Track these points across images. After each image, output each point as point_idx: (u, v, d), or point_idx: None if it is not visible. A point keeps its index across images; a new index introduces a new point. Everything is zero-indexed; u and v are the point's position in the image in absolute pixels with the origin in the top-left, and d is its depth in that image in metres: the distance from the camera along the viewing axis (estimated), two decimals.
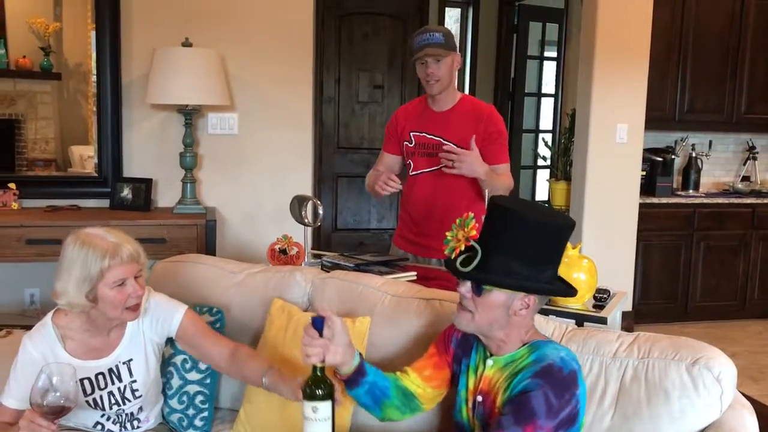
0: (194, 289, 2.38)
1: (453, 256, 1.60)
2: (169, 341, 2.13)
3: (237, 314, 2.32)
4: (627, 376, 1.78)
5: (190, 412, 2.16)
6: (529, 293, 1.58)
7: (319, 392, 1.57)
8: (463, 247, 1.58)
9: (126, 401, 1.95)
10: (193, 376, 2.18)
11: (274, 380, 1.83)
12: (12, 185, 3.71)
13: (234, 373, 2.01)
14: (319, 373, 1.59)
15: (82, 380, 1.85)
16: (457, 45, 2.89)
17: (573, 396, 1.54)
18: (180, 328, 2.01)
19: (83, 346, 1.89)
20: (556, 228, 1.60)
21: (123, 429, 2.00)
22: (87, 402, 1.90)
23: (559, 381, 1.52)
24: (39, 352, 1.83)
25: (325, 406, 1.57)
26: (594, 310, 2.41)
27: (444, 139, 2.74)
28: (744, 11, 5.10)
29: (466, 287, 1.60)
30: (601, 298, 2.46)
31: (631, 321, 4.81)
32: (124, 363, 1.94)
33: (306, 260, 2.78)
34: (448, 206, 2.75)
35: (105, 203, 3.85)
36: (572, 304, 2.38)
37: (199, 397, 2.18)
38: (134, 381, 1.96)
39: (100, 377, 1.91)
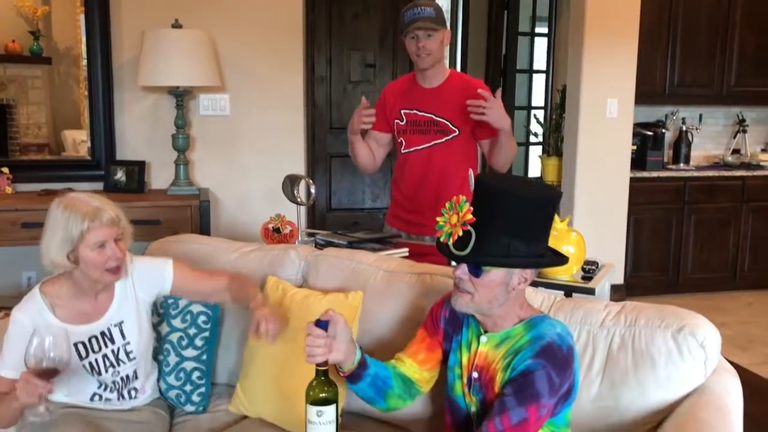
0: None
1: (451, 241, 1.59)
2: (163, 316, 2.19)
3: None
4: (614, 344, 1.82)
5: (188, 388, 2.20)
6: (527, 268, 1.61)
7: (323, 395, 1.56)
8: (461, 233, 1.57)
9: (121, 363, 2.00)
10: (190, 352, 2.22)
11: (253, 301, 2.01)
12: (5, 170, 3.72)
13: (233, 301, 2.14)
14: (322, 377, 1.58)
15: (75, 345, 1.89)
16: (448, 21, 2.89)
17: (571, 371, 1.57)
18: (173, 283, 2.10)
19: (72, 311, 1.94)
20: (546, 201, 1.62)
21: (121, 397, 2.05)
22: (83, 366, 1.95)
23: (560, 359, 1.55)
24: (29, 320, 1.88)
25: (330, 410, 1.56)
26: (582, 281, 2.44)
27: (435, 116, 2.75)
28: None
29: (462, 270, 1.60)
30: (590, 269, 2.49)
31: (623, 294, 4.87)
32: (115, 325, 1.99)
33: (299, 239, 2.81)
34: (441, 183, 2.77)
35: (99, 186, 3.87)
36: (561, 275, 2.41)
37: (196, 373, 2.22)
38: (128, 343, 2.01)
39: (93, 340, 1.96)
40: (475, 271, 1.58)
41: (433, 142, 2.77)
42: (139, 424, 2.04)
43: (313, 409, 1.56)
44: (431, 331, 1.81)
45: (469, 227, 1.56)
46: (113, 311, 2.00)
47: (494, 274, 1.58)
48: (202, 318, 2.24)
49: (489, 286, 1.59)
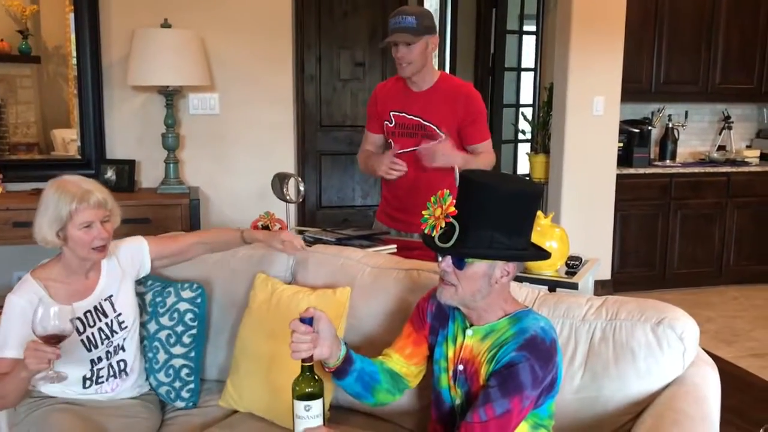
0: (179, 265, 2.44)
1: (434, 233, 1.63)
2: (151, 314, 2.26)
3: (222, 289, 2.39)
4: (596, 337, 1.86)
5: (177, 384, 2.24)
6: (509, 261, 1.64)
7: (310, 390, 1.60)
8: (443, 224, 1.61)
9: (114, 333, 2.10)
10: (178, 350, 2.25)
11: (250, 234, 2.32)
12: None
13: (214, 248, 2.36)
14: (308, 372, 1.61)
15: (72, 321, 1.92)
16: (437, 25, 2.90)
17: (554, 364, 1.61)
18: (152, 252, 2.24)
19: (65, 291, 2.04)
20: (528, 196, 1.66)
21: (110, 369, 2.11)
22: (81, 341, 2.04)
23: (543, 352, 1.58)
24: (26, 300, 1.97)
25: (317, 404, 1.60)
26: (566, 276, 2.49)
27: (423, 120, 2.78)
28: None
29: (446, 262, 1.64)
30: (573, 264, 2.54)
31: (610, 289, 4.92)
32: (105, 299, 2.11)
33: None
34: (429, 184, 2.79)
35: None
36: (545, 271, 2.46)
37: (185, 370, 2.25)
38: (119, 314, 2.12)
39: (89, 315, 2.06)
40: (459, 264, 1.62)
41: (421, 146, 2.80)
42: (131, 419, 2.08)
43: (300, 404, 1.59)
44: (418, 326, 1.84)
45: (452, 220, 1.60)
46: (102, 286, 2.12)
47: (477, 267, 1.62)
48: (189, 316, 2.27)
49: (472, 278, 1.62)
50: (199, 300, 2.30)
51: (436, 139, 2.77)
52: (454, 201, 1.62)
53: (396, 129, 2.86)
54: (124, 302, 2.16)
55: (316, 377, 1.62)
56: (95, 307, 2.08)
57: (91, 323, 2.07)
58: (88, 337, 2.06)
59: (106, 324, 2.10)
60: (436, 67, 2.95)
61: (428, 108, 2.78)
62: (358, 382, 1.75)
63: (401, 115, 2.84)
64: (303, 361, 1.61)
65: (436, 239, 1.62)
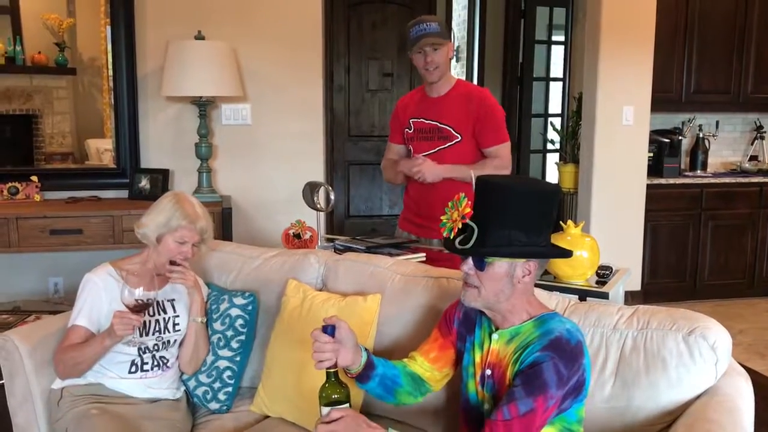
0: (213, 273, 2.50)
1: (452, 235, 1.66)
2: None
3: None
4: (627, 346, 1.85)
5: (216, 385, 2.28)
6: (530, 258, 1.65)
7: (336, 396, 1.62)
8: (460, 225, 1.64)
9: (167, 331, 2.22)
10: (225, 353, 2.31)
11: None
12: (34, 178, 3.83)
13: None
14: (333, 378, 1.64)
15: (137, 300, 2.04)
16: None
17: (580, 366, 1.60)
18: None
19: (134, 280, 2.16)
20: (544, 194, 1.67)
21: (153, 361, 2.20)
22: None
23: (567, 352, 1.58)
24: (102, 281, 2.20)
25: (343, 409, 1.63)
26: (596, 285, 2.48)
27: (440, 123, 2.86)
28: None
29: (468, 265, 1.66)
30: (604, 274, 2.53)
31: (640, 300, 4.87)
32: (168, 300, 2.27)
33: (319, 244, 2.87)
34: (448, 187, 2.83)
35: (124, 194, 3.97)
36: (575, 280, 2.45)
37: (227, 373, 2.30)
38: (177, 316, 2.24)
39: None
40: (480, 264, 1.64)
41: (437, 148, 2.88)
42: (164, 421, 2.13)
43: (327, 411, 1.61)
44: (444, 331, 1.86)
45: (469, 222, 1.63)
46: (168, 289, 2.28)
47: (498, 267, 1.63)
48: (240, 321, 2.33)
49: (494, 278, 1.64)
50: (250, 307, 2.35)
51: (451, 140, 2.84)
52: (470, 203, 1.65)
53: (414, 134, 2.95)
54: (184, 309, 2.27)
55: (342, 383, 1.65)
56: (158, 302, 2.23)
57: (151, 312, 2.20)
58: (144, 321, 2.17)
59: (163, 319, 2.23)
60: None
61: (444, 111, 2.86)
62: (380, 386, 1.79)
63: (419, 120, 2.92)
64: (327, 367, 1.64)
65: (457, 243, 1.65)
